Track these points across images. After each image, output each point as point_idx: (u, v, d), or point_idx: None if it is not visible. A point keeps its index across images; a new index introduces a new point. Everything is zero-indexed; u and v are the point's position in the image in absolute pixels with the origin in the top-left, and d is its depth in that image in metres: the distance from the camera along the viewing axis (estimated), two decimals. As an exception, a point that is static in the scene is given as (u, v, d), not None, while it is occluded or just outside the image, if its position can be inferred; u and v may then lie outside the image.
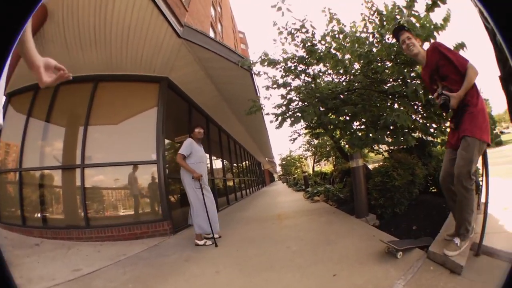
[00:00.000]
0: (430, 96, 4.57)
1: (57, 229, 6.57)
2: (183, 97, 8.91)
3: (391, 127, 5.63)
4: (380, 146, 6.88)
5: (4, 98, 1.03)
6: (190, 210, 5.51)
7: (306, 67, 6.64)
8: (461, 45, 4.25)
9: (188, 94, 9.03)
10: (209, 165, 11.28)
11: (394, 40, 4.70)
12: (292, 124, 6.25)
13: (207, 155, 5.81)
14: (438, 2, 4.32)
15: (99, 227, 6.38)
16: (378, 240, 3.77)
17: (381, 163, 6.17)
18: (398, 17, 4.97)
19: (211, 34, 15.02)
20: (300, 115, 6.10)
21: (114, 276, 3.80)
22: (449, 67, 3.17)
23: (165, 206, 6.60)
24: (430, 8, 4.37)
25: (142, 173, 6.97)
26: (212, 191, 5.96)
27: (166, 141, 7.45)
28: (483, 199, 3.46)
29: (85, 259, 4.81)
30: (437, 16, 4.73)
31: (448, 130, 3.75)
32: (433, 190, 6.39)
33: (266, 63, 6.59)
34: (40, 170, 7.15)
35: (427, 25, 4.74)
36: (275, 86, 6.83)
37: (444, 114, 3.39)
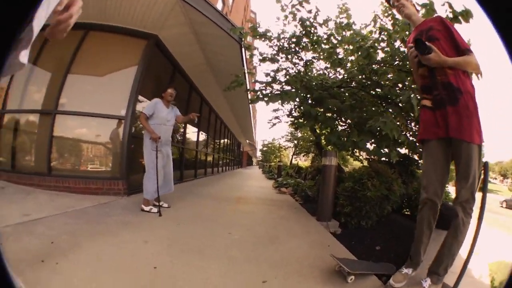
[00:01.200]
0: None
1: (22, 174, 6.47)
2: (170, 59, 8.60)
3: (377, 135, 5.20)
4: (361, 153, 6.61)
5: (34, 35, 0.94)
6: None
7: (300, 50, 6.33)
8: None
9: (175, 57, 8.71)
10: (182, 131, 11.07)
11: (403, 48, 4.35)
12: (267, 103, 5.98)
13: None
14: (460, 18, 3.92)
15: (58, 177, 6.22)
16: (331, 252, 3.21)
17: (357, 169, 5.75)
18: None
19: (219, 5, 14.52)
20: (279, 95, 5.84)
21: (55, 225, 3.80)
22: (444, 34, 2.64)
23: (123, 165, 6.35)
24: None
25: (108, 127, 6.67)
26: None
27: (143, 99, 7.21)
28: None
29: (38, 206, 4.85)
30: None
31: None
32: (406, 212, 5.98)
33: (257, 35, 6.32)
34: (14, 114, 7.05)
35: None
36: (261, 59, 6.59)
37: (417, 55, 2.56)
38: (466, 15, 3.87)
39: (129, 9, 6.31)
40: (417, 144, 3.79)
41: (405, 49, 4.15)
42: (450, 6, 3.95)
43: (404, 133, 5.12)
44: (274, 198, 8.26)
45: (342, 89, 6.15)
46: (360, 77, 5.74)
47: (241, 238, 3.86)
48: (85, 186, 6.11)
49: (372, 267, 2.90)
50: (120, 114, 6.47)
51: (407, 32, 4.59)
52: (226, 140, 24.43)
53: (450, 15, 3.96)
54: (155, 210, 4.97)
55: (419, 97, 3.48)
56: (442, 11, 4.08)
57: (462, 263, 2.41)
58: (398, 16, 4.73)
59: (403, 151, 5.79)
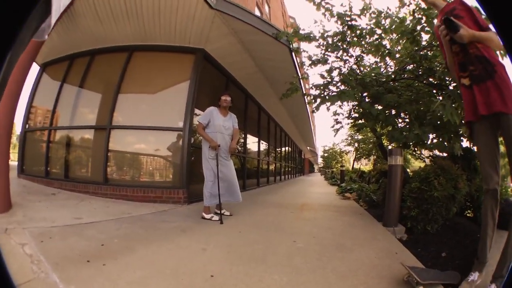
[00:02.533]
0: None
1: (76, 182, 6.91)
2: (221, 71, 8.72)
3: (438, 126, 4.89)
4: (422, 151, 6.27)
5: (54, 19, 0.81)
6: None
7: (347, 46, 6.22)
8: None
9: (227, 68, 8.81)
10: (243, 141, 11.10)
11: None
12: (329, 101, 5.97)
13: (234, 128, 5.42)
14: None
15: (115, 185, 6.51)
16: (399, 260, 3.01)
17: (422, 167, 5.39)
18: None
19: (256, 13, 14.64)
20: (336, 95, 5.74)
21: (107, 230, 3.89)
22: (466, 13, 2.61)
23: (183, 174, 6.47)
24: None
25: (167, 139, 6.90)
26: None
27: (199, 111, 7.28)
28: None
29: (91, 211, 5.01)
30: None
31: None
32: (468, 214, 5.51)
33: (301, 37, 6.30)
34: (68, 130, 7.77)
35: None
36: (310, 63, 6.57)
37: (448, 32, 2.45)
38: None
39: (169, 27, 6.55)
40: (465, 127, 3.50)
41: None
42: None
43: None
44: (338, 204, 7.99)
45: (397, 83, 5.91)
46: (412, 66, 5.57)
47: (305, 246, 3.67)
48: (143, 194, 6.30)
49: (440, 276, 2.63)
50: (178, 126, 6.66)
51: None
52: (287, 148, 24.24)
53: None
54: (216, 218, 4.96)
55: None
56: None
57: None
58: None
59: (464, 144, 5.37)
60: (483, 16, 2.69)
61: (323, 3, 5.97)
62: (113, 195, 6.34)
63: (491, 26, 2.43)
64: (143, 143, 7.09)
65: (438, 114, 4.16)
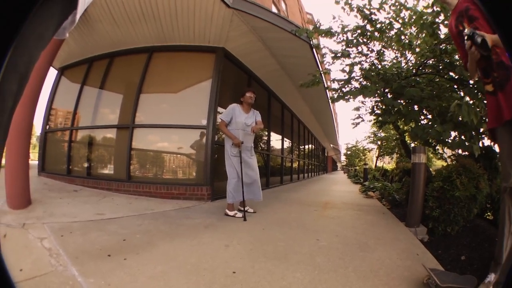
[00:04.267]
0: None
1: (98, 179, 7.12)
2: (243, 69, 8.83)
3: (459, 124, 4.78)
4: (444, 150, 6.17)
5: (78, 16, 1.01)
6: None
7: (368, 41, 6.22)
8: None
9: (248, 66, 8.92)
10: (266, 138, 11.22)
11: None
12: (347, 100, 6.06)
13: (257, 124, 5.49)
14: None
15: (138, 182, 6.67)
16: (420, 262, 2.99)
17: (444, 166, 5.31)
18: None
19: (274, 10, 14.70)
20: (359, 90, 5.72)
21: (129, 225, 3.97)
22: (480, 13, 2.47)
23: (207, 172, 6.57)
24: None
25: (190, 137, 7.03)
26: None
27: (222, 110, 7.38)
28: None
29: (114, 207, 5.10)
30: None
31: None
32: (488, 217, 5.38)
33: (322, 33, 6.32)
34: (90, 129, 8.02)
35: None
36: (333, 56, 6.59)
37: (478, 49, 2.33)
38: None
39: (187, 28, 6.68)
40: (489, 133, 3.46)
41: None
42: None
43: (485, 119, 4.63)
44: (361, 203, 7.93)
45: (418, 78, 5.84)
46: (433, 60, 5.49)
47: (328, 245, 3.67)
48: (167, 191, 6.41)
49: (458, 280, 2.61)
50: (201, 124, 6.75)
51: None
52: (310, 145, 24.17)
53: None
54: (239, 215, 5.03)
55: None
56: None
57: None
58: None
59: (486, 142, 5.24)
60: None
61: None
62: (136, 192, 6.49)
63: None
64: (166, 141, 7.23)
65: (451, 112, 4.09)
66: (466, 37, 2.39)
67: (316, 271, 2.77)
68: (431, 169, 7.07)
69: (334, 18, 6.36)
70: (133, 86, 7.19)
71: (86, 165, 7.68)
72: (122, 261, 2.66)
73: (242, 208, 5.15)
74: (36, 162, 9.16)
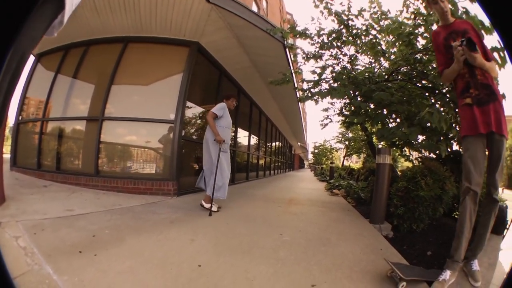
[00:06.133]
0: None
1: (67, 174, 6.92)
2: (215, 65, 8.78)
3: (427, 129, 5.00)
4: (412, 152, 6.36)
5: (67, 16, 1.08)
6: (202, 173, 5.50)
7: (342, 45, 6.36)
8: None
9: (220, 62, 8.89)
10: (233, 135, 11.17)
11: None
12: (316, 101, 6.23)
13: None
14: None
15: (106, 177, 6.54)
16: (383, 257, 3.07)
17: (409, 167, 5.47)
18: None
19: (254, 8, 14.68)
20: (327, 91, 5.82)
21: (98, 221, 3.94)
22: (478, 40, 2.86)
23: (173, 167, 6.47)
24: None
25: (158, 131, 6.89)
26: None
27: (191, 104, 7.50)
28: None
29: (83, 203, 5.04)
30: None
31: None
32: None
33: (297, 34, 6.41)
34: (60, 121, 7.71)
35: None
36: (305, 57, 6.75)
37: (467, 50, 2.64)
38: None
39: (165, 20, 6.58)
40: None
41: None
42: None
43: (455, 126, 4.83)
44: (326, 200, 8.05)
45: (389, 84, 6.01)
46: (405, 68, 5.68)
47: (291, 239, 3.75)
48: (134, 186, 6.31)
49: (423, 274, 2.72)
50: (169, 118, 6.65)
51: None
52: (277, 143, 24.36)
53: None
54: (214, 208, 5.15)
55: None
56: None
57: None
58: None
59: (454, 147, 5.47)
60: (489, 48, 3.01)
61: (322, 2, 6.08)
62: (104, 187, 6.37)
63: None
64: (134, 134, 7.06)
65: (422, 117, 4.23)
66: (463, 42, 2.67)
67: (279, 264, 2.83)
68: (398, 170, 7.25)
69: (312, 19, 6.48)
70: (106, 77, 6.99)
71: (55, 159, 7.42)
72: (93, 257, 2.65)
73: (210, 203, 5.21)
74: (9, 156, 8.78)
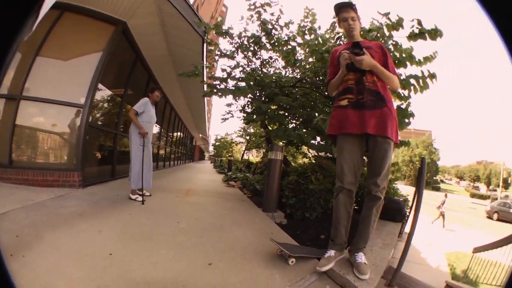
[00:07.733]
0: None
1: None
2: (134, 48, 8.68)
3: (322, 133, 5.48)
4: (310, 151, 6.90)
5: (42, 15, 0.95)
6: (130, 166, 5.73)
7: (258, 49, 6.69)
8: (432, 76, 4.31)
9: (139, 46, 8.80)
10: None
11: None
12: (220, 96, 6.44)
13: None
14: (427, 35, 4.24)
15: (18, 168, 5.82)
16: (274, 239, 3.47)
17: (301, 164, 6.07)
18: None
19: None
20: (231, 90, 6.22)
21: (17, 219, 3.82)
22: (379, 57, 2.88)
23: (78, 156, 6.07)
24: (414, 37, 4.31)
25: (66, 116, 6.24)
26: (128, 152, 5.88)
27: (102, 87, 7.14)
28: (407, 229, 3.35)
29: (0, 199, 4.80)
30: (419, 49, 4.74)
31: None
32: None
33: (219, 32, 6.59)
34: None
35: (403, 55, 4.62)
36: (219, 55, 7.05)
37: (351, 52, 2.74)
38: (435, 34, 4.20)
39: None
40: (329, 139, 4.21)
41: None
42: (419, 23, 4.27)
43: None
44: (223, 191, 8.44)
45: (296, 89, 6.49)
46: (314, 78, 6.12)
47: (187, 227, 4.06)
48: (42, 178, 5.83)
49: (314, 252, 3.19)
50: (79, 102, 6.17)
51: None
52: (179, 133, 24.10)
53: (417, 31, 4.29)
54: (140, 198, 5.51)
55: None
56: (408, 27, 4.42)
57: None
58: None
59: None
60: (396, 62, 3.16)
61: (257, 3, 6.31)
62: (17, 180, 5.70)
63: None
64: (42, 118, 6.23)
65: (316, 123, 4.73)
66: (351, 45, 2.76)
67: (178, 248, 3.15)
68: (294, 165, 7.84)
69: (242, 18, 6.71)
70: (34, 47, 6.02)
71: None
72: (22, 259, 2.63)
73: (140, 193, 5.69)
74: None
